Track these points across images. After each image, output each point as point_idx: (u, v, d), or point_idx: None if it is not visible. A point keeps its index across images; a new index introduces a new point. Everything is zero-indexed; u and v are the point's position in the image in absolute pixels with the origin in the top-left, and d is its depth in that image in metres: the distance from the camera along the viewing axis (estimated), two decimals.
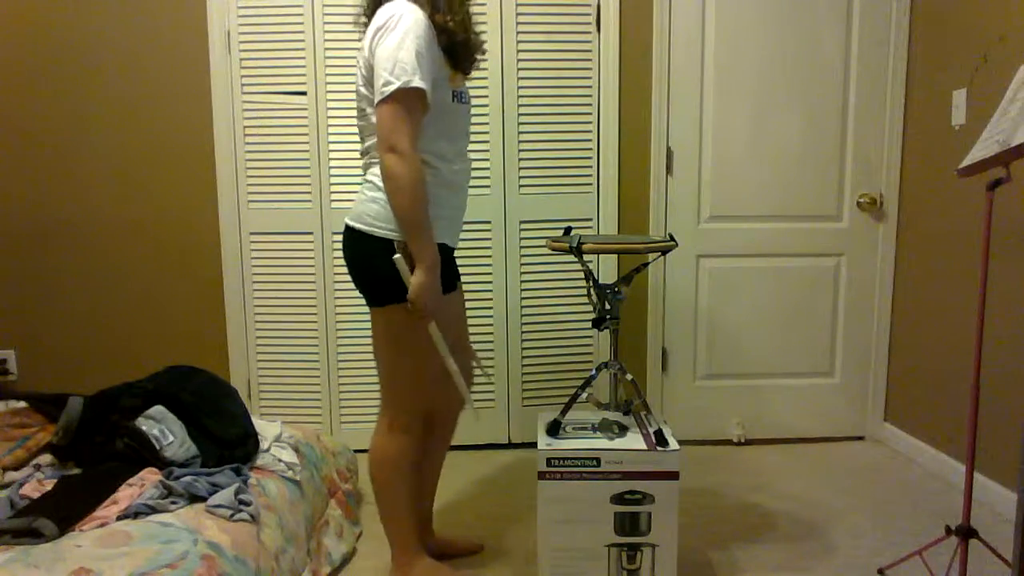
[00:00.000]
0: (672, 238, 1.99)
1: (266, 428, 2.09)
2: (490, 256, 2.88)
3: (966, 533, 1.77)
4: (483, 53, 1.79)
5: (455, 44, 1.65)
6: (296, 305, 2.88)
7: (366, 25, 1.66)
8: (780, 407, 3.05)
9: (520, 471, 2.75)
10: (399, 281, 1.64)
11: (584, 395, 1.98)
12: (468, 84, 1.80)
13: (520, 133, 2.84)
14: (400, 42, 1.53)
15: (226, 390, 2.01)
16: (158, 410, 1.83)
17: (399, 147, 1.54)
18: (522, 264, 2.91)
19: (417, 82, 1.53)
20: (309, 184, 2.82)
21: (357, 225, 1.68)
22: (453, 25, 1.63)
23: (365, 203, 1.68)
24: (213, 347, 2.91)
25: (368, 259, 1.67)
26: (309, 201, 2.83)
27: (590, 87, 2.85)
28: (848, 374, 3.04)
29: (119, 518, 1.53)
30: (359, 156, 1.77)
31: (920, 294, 2.81)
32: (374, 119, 1.61)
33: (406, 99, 1.54)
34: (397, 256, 1.63)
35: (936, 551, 1.96)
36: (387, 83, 1.53)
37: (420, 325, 1.67)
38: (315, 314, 2.87)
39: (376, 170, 1.69)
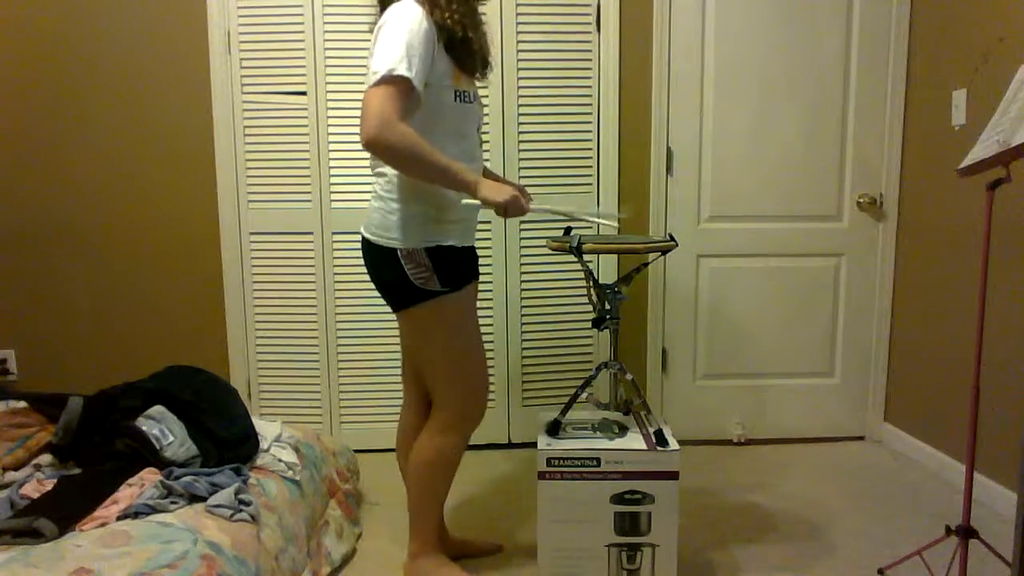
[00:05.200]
0: (672, 238, 1.99)
1: (266, 428, 2.09)
2: (490, 256, 2.88)
3: (966, 533, 1.77)
4: (490, 54, 1.80)
5: (454, 41, 1.65)
6: (296, 305, 2.88)
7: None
8: (780, 407, 3.05)
9: (520, 471, 2.75)
10: (409, 285, 1.69)
11: (584, 395, 1.98)
12: None
13: (520, 133, 2.84)
14: (392, 36, 1.55)
15: (226, 390, 2.01)
16: (158, 410, 1.83)
17: (383, 119, 1.51)
18: (522, 264, 2.91)
19: (401, 70, 1.52)
20: (309, 184, 2.82)
21: (365, 234, 1.75)
22: (451, 22, 1.63)
23: (371, 212, 1.75)
24: (213, 347, 2.91)
25: (378, 267, 1.74)
26: (309, 201, 2.83)
27: (590, 87, 2.85)
28: (848, 374, 3.04)
29: (119, 518, 1.53)
30: (367, 157, 1.78)
31: (920, 294, 2.81)
32: None
33: (390, 85, 1.53)
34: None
35: (936, 551, 1.96)
36: (374, 72, 1.54)
37: (452, 315, 1.74)
38: (315, 314, 2.87)
39: (379, 180, 1.74)
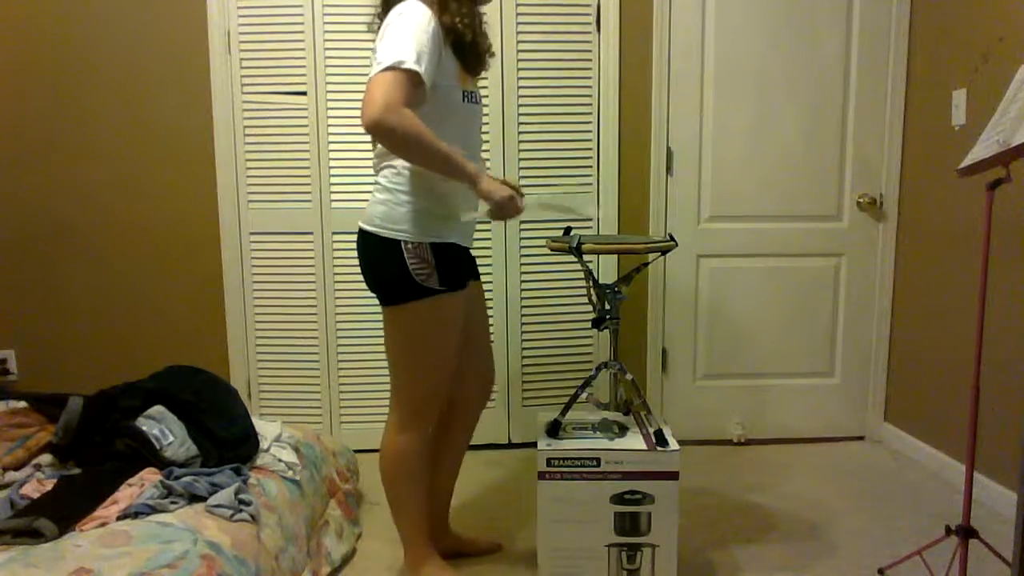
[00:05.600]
0: (672, 238, 1.99)
1: (266, 428, 2.09)
2: (490, 256, 2.88)
3: (966, 533, 1.77)
4: (492, 55, 1.81)
5: (463, 44, 1.66)
6: (296, 305, 2.88)
7: (379, 28, 1.66)
8: (780, 407, 3.05)
9: (520, 471, 2.75)
10: (408, 280, 1.68)
11: (584, 395, 1.98)
12: None
13: (520, 133, 2.84)
14: (401, 33, 1.54)
15: (226, 390, 2.01)
16: (158, 410, 1.83)
17: (388, 102, 1.48)
18: (522, 264, 2.91)
19: (411, 64, 1.51)
20: (309, 184, 2.82)
21: (366, 227, 1.72)
22: (461, 26, 1.64)
23: (374, 204, 1.72)
24: (213, 347, 2.91)
25: (377, 260, 1.71)
26: (309, 201, 2.83)
27: (590, 87, 2.85)
28: (848, 374, 3.04)
29: (119, 518, 1.53)
30: (367, 157, 1.78)
31: (920, 294, 2.81)
32: None
33: (397, 74, 1.51)
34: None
35: (936, 551, 1.96)
36: (380, 62, 1.52)
37: (438, 316, 1.72)
38: (315, 314, 2.87)
39: (386, 172, 1.72)
